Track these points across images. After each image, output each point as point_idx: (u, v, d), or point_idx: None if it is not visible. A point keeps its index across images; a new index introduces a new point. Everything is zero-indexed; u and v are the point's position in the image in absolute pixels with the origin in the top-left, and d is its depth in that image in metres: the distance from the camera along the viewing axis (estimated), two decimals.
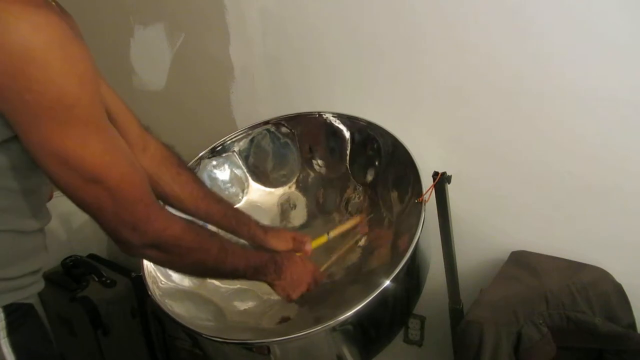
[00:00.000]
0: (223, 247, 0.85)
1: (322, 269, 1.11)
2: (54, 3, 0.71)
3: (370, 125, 1.21)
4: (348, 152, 1.27)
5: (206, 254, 0.82)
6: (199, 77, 1.55)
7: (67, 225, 1.89)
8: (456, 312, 1.19)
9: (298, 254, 1.06)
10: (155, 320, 1.66)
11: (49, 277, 1.57)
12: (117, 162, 0.69)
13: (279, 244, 1.08)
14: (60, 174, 0.66)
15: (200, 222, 1.03)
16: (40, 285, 0.79)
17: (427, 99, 1.22)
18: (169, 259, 0.79)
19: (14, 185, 0.71)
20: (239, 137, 1.32)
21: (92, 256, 1.90)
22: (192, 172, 1.08)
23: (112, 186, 0.68)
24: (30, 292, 0.76)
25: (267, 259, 0.94)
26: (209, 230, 0.88)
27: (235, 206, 1.31)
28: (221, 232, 1.04)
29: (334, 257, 1.16)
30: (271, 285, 0.97)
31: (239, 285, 1.19)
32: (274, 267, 0.94)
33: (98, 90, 0.67)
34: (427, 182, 1.05)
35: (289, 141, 1.32)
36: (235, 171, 1.33)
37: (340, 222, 1.25)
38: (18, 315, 0.73)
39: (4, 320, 0.71)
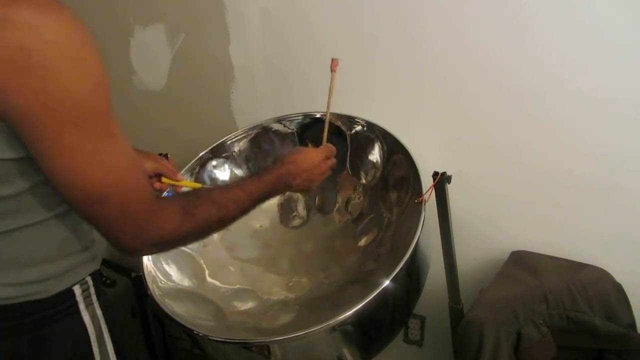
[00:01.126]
0: (222, 206, 0.83)
1: (324, 140, 1.11)
2: None
3: (370, 125, 1.21)
4: (348, 152, 1.27)
5: (208, 224, 0.80)
6: (199, 77, 1.55)
7: None
8: (456, 312, 1.19)
9: (165, 181, 1.06)
10: (155, 320, 1.66)
11: None
12: (125, 174, 0.67)
13: (147, 163, 1.06)
14: (69, 188, 0.64)
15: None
16: (99, 258, 0.83)
17: (427, 99, 1.22)
18: (175, 246, 0.79)
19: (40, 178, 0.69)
20: (239, 137, 1.32)
21: None
22: None
23: (118, 199, 0.66)
24: (99, 260, 0.81)
25: (272, 181, 0.94)
26: (205, 197, 0.83)
27: None
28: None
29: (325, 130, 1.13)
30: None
31: (238, 285, 1.19)
32: (282, 183, 0.96)
33: (110, 94, 0.64)
34: (427, 182, 1.05)
35: (289, 141, 1.32)
36: (235, 171, 1.33)
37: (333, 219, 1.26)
38: (99, 281, 0.80)
39: (93, 286, 0.78)
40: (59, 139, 0.60)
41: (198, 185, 1.20)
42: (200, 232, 0.81)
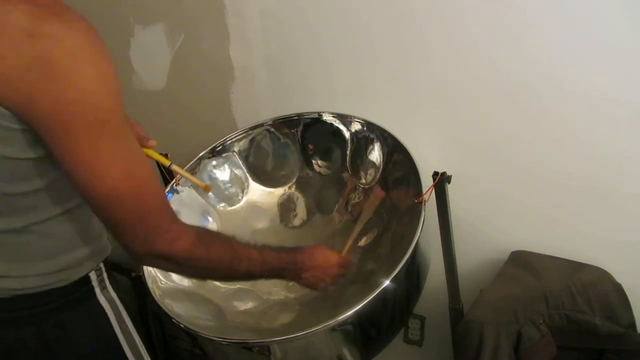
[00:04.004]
0: (237, 255, 0.85)
1: (344, 251, 1.14)
2: None
3: (370, 125, 1.21)
4: (348, 152, 1.27)
5: (217, 263, 0.82)
6: (199, 77, 1.55)
7: None
8: (456, 312, 1.19)
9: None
10: (155, 320, 1.66)
11: None
12: (139, 174, 0.70)
13: None
14: (87, 187, 0.67)
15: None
16: (109, 245, 0.87)
17: (427, 99, 1.22)
18: (178, 270, 0.82)
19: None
20: (239, 137, 1.32)
21: None
22: None
23: (131, 197, 0.69)
24: (110, 247, 0.86)
25: (287, 261, 0.94)
26: (224, 239, 0.87)
27: (234, 206, 1.32)
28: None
29: (352, 236, 1.18)
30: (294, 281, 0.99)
31: (239, 286, 1.19)
32: (294, 268, 0.94)
33: (122, 99, 0.69)
34: (427, 182, 1.05)
35: (289, 141, 1.32)
36: (235, 171, 1.33)
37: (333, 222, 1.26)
38: (109, 266, 0.86)
39: (105, 271, 0.84)
40: (78, 139, 0.64)
41: (165, 160, 1.16)
42: (209, 269, 0.83)
